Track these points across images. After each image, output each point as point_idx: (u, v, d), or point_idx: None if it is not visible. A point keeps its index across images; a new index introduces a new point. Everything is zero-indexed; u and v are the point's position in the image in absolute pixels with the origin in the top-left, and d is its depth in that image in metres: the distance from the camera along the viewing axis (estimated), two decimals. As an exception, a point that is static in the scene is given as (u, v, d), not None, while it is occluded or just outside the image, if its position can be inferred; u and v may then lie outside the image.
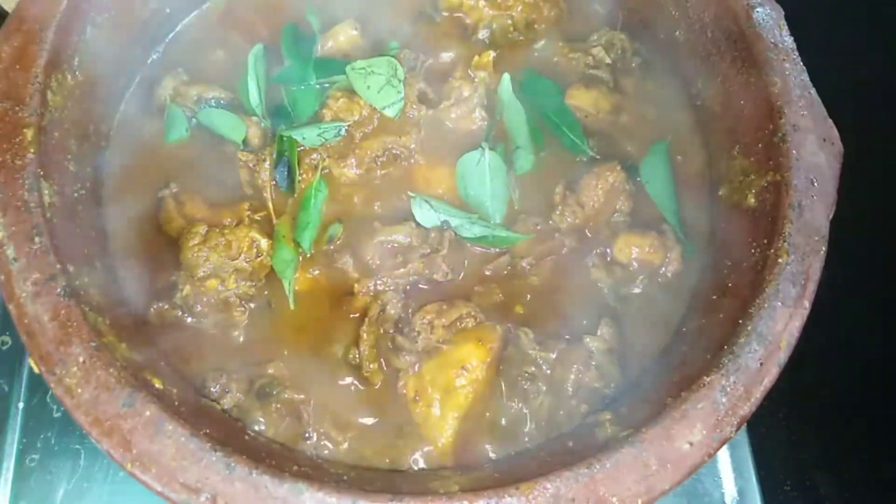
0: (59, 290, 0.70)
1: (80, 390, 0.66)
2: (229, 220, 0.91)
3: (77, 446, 1.05)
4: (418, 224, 0.93)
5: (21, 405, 1.06)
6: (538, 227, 0.95)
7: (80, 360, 0.67)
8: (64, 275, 0.71)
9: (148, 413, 0.66)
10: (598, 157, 0.98)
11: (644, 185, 0.97)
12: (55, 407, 1.07)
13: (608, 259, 0.94)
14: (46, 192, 0.76)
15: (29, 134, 0.76)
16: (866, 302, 1.13)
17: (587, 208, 0.95)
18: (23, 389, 1.07)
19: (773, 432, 1.09)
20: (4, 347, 1.10)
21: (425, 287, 0.92)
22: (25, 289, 0.70)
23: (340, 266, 0.91)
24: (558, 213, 0.95)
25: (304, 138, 0.96)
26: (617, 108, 1.02)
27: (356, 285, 0.90)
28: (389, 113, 0.98)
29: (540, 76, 1.04)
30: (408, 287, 0.91)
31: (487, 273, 0.93)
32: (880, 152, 0.98)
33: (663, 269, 0.93)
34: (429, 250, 0.92)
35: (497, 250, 0.94)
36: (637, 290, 0.92)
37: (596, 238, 0.95)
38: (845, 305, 1.08)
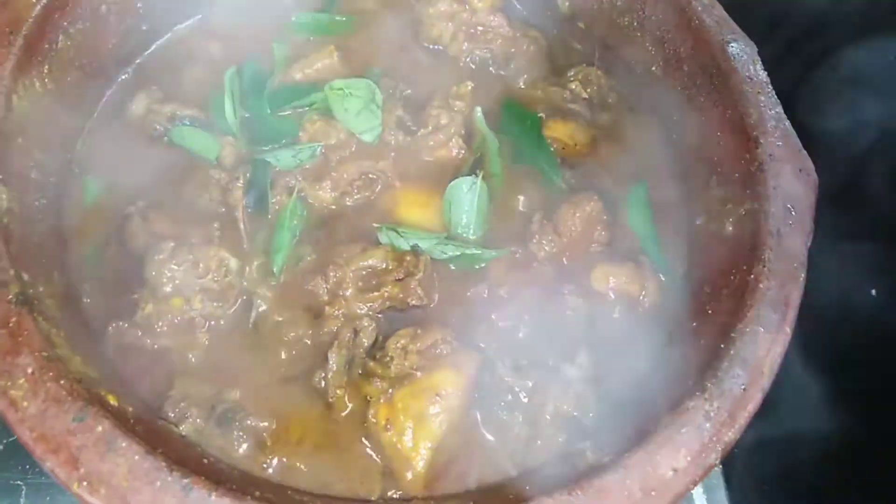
0: (10, 296, 0.66)
1: (25, 403, 0.61)
2: (197, 238, 0.88)
3: (18, 482, 0.98)
4: (394, 247, 0.91)
5: (-42, 438, 1.00)
6: (517, 256, 0.93)
7: (29, 370, 0.62)
8: (18, 281, 0.67)
9: (100, 429, 0.61)
10: (573, 188, 0.98)
11: (622, 216, 0.97)
12: (-4, 438, 1.01)
13: (585, 288, 0.93)
14: (4, 196, 0.72)
15: (-10, 136, 0.73)
16: (842, 348, 1.13)
17: (564, 237, 0.94)
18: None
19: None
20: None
21: (400, 312, 0.89)
22: (-27, 295, 0.65)
23: (311, 288, 0.88)
24: (535, 241, 0.94)
25: (278, 160, 0.95)
26: (594, 140, 1.03)
27: (327, 308, 0.87)
28: (367, 138, 0.97)
29: (520, 106, 1.04)
30: (381, 312, 0.89)
31: (466, 298, 0.91)
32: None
33: (641, 297, 0.92)
34: (403, 275, 0.90)
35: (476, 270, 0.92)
36: (615, 319, 0.91)
37: (573, 267, 0.94)
38: (820, 349, 1.08)
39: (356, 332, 0.86)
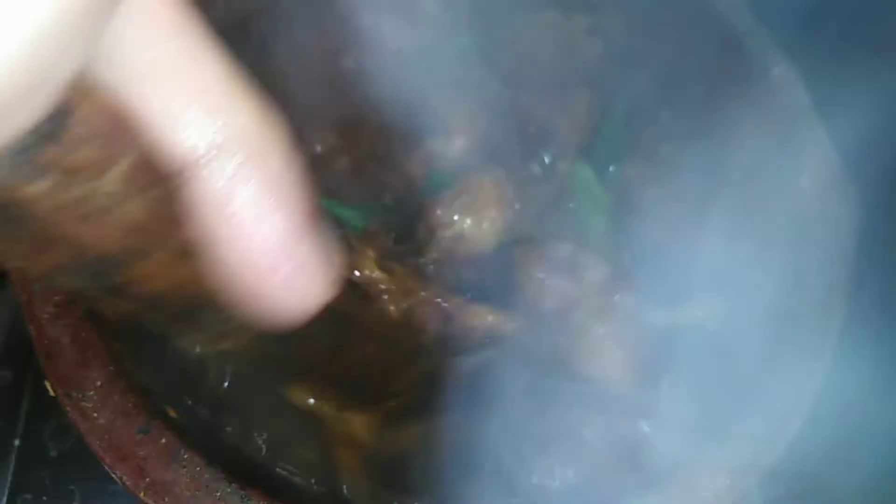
0: (80, 312, 0.70)
1: (95, 415, 0.65)
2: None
3: (72, 487, 1.02)
4: None
5: (17, 442, 1.04)
6: None
7: (98, 383, 0.66)
8: (84, 298, 0.71)
9: (164, 440, 0.64)
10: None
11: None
12: (52, 445, 1.05)
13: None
14: (73, 214, 0.76)
15: (61, 160, 0.77)
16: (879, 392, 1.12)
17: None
18: (20, 427, 1.05)
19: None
20: (3, 383, 1.08)
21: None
22: (47, 310, 0.69)
23: None
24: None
25: None
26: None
27: None
28: None
29: None
30: None
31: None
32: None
33: None
34: None
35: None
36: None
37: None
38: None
39: None
